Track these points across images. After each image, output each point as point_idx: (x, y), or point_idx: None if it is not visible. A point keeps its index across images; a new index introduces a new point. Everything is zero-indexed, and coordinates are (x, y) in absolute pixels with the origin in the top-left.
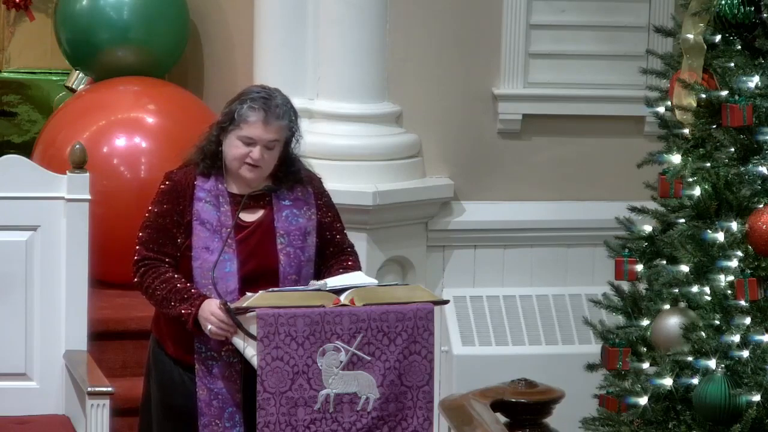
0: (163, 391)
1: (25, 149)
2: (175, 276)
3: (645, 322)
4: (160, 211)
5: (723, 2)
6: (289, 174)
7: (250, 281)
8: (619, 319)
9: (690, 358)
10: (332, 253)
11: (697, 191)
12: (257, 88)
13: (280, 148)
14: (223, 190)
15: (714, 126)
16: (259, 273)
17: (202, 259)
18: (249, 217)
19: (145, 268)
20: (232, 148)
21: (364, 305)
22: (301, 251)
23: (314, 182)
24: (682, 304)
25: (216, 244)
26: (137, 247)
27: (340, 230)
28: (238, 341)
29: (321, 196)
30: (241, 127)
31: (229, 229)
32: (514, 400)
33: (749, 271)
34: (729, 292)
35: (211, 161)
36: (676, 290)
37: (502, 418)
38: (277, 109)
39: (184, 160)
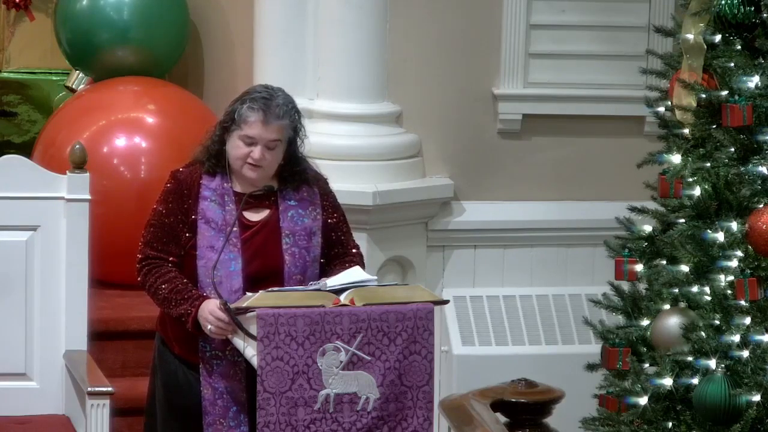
0: (167, 390)
1: (25, 149)
2: (178, 276)
3: (645, 322)
4: (165, 209)
5: (723, 2)
6: (295, 174)
7: (254, 281)
8: (619, 319)
9: (690, 358)
10: (337, 254)
11: (697, 191)
12: (260, 88)
13: (282, 147)
14: (229, 189)
15: (714, 126)
16: (264, 273)
17: (206, 258)
18: (254, 216)
19: (149, 267)
20: (234, 147)
21: (364, 305)
22: (307, 251)
23: (320, 183)
24: (682, 304)
25: (221, 243)
26: (141, 246)
27: (346, 232)
28: (238, 341)
29: (327, 196)
30: (241, 127)
31: (232, 228)
32: (514, 400)
33: (749, 271)
34: (729, 292)
35: (216, 160)
36: (676, 290)
37: (502, 418)
38: (278, 108)
39: (190, 158)
